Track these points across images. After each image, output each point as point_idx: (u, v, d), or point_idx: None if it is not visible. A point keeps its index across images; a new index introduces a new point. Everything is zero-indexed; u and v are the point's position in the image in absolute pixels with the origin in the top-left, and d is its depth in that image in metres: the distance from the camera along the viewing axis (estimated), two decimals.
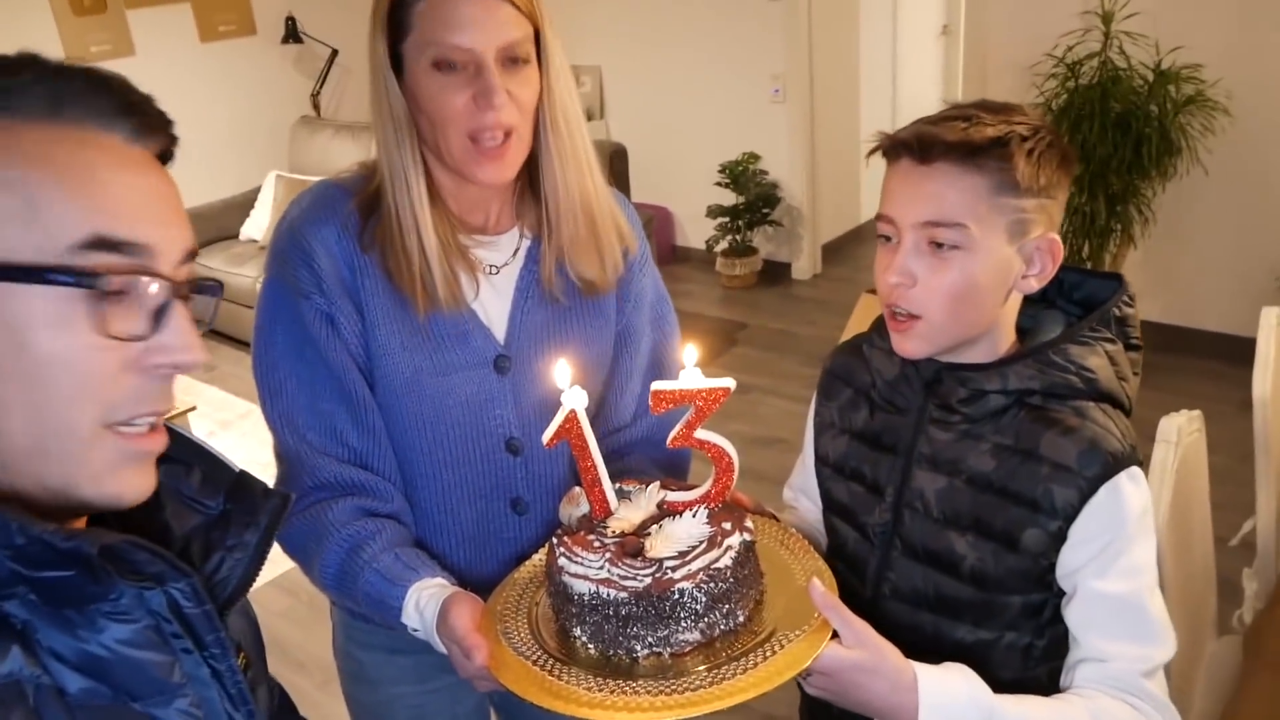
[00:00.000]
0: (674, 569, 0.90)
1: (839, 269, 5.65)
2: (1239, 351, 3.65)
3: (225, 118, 5.47)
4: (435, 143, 1.13)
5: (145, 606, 0.68)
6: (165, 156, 0.71)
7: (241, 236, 5.34)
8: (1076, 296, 1.14)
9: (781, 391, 4.28)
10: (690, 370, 0.95)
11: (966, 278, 1.01)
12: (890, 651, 0.95)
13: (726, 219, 5.34)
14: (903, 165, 1.03)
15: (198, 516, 0.77)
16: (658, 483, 1.04)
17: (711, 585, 0.91)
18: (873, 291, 4.12)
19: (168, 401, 0.68)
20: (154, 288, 0.65)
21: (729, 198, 5.32)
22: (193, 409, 3.60)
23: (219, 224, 5.30)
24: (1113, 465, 1.00)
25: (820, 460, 1.25)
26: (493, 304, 1.22)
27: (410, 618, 1.08)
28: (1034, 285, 1.05)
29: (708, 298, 5.39)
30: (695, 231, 5.74)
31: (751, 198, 5.27)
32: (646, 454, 1.31)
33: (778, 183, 5.37)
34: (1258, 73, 3.70)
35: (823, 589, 0.95)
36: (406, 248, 1.14)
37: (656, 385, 0.95)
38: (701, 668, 0.90)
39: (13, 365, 0.61)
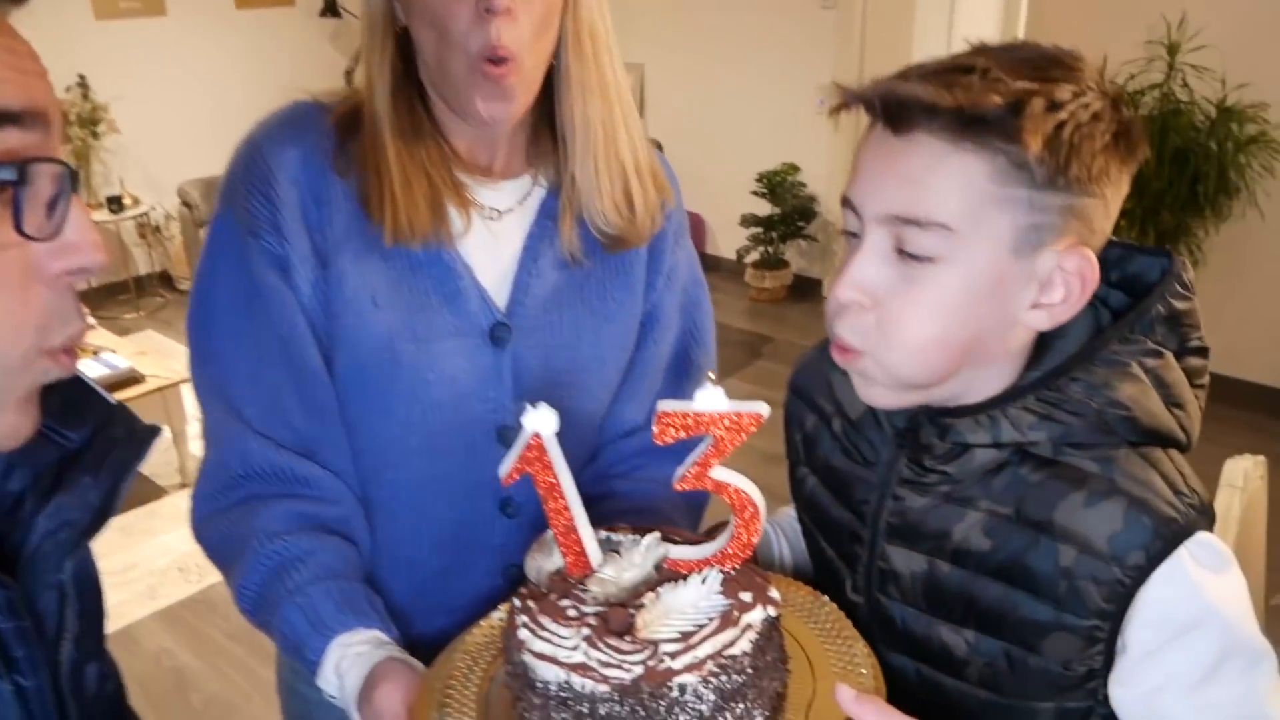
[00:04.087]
0: (673, 655, 0.66)
1: None
2: None
3: (253, 88, 5.34)
4: (433, 61, 0.92)
5: None
6: None
7: None
8: (1114, 277, 0.81)
9: None
10: (710, 390, 0.69)
11: (941, 305, 0.72)
12: None
13: (760, 229, 5.19)
14: (876, 136, 0.73)
15: (52, 449, 0.66)
16: (657, 533, 0.77)
17: (722, 679, 0.66)
18: None
19: (83, 319, 0.58)
20: (48, 170, 0.53)
21: (764, 208, 5.18)
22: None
23: None
24: (1166, 540, 0.71)
25: (796, 500, 0.98)
26: (493, 259, 1.00)
27: (327, 681, 0.86)
28: (1043, 321, 0.74)
29: (734, 309, 5.25)
30: (726, 240, 5.61)
31: (788, 209, 5.14)
32: (656, 472, 1.06)
33: (816, 196, 5.22)
34: None
35: (854, 695, 0.67)
36: (378, 163, 0.93)
37: (664, 405, 0.69)
38: None
39: None
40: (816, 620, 0.81)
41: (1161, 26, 3.68)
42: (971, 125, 0.68)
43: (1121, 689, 0.75)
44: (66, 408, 0.67)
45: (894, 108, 0.70)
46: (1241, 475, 1.38)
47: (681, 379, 1.14)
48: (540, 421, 0.71)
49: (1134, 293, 0.80)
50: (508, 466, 0.73)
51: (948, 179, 0.69)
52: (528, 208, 1.02)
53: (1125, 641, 0.73)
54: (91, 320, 0.59)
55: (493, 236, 1.00)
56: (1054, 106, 0.67)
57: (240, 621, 0.97)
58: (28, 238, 0.53)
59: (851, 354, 0.76)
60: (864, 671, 0.75)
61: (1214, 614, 0.72)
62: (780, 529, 1.06)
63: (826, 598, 0.84)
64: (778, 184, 5.14)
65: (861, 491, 0.86)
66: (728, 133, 5.47)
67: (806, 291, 5.39)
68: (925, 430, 0.79)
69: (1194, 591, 0.71)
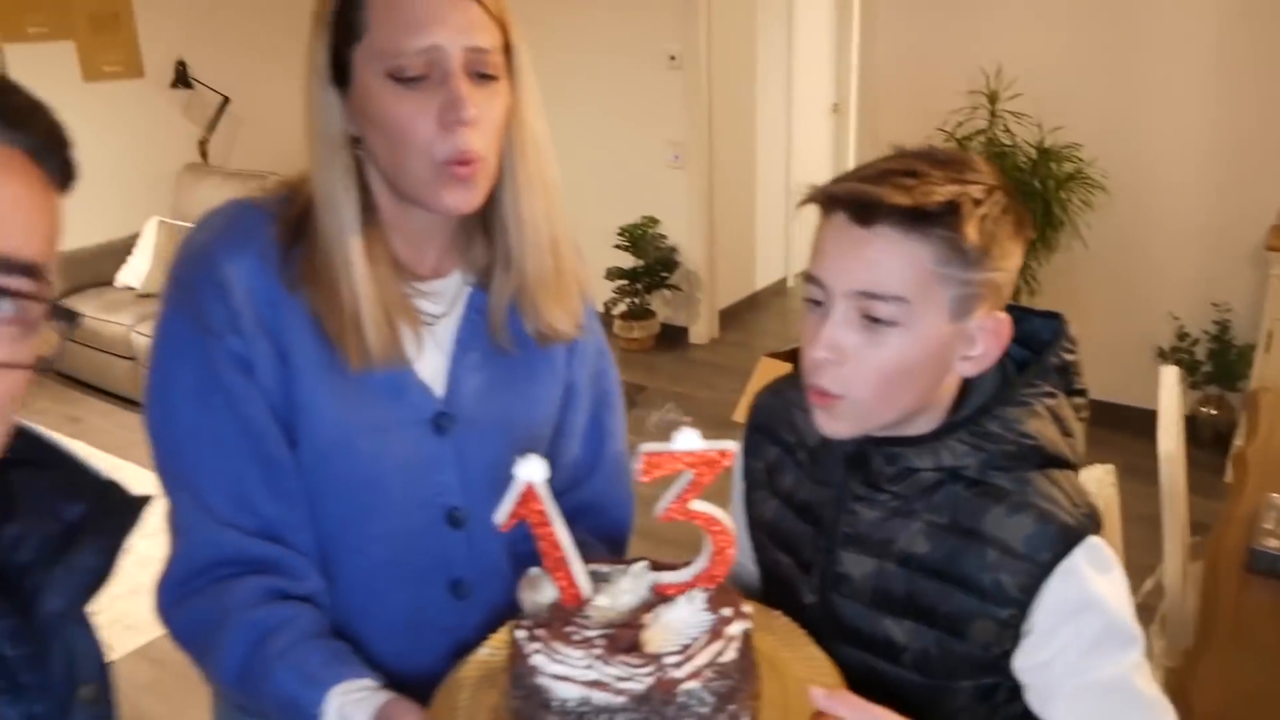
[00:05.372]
0: (677, 666, 0.75)
1: (735, 334, 5.70)
2: (1119, 418, 3.81)
3: (107, 160, 5.17)
4: (391, 164, 0.96)
5: None
6: (45, 152, 0.63)
7: (117, 283, 5.03)
8: (1014, 336, 1.00)
9: None
10: (686, 433, 0.80)
11: (900, 359, 0.89)
12: None
13: (625, 281, 5.32)
14: (837, 222, 0.91)
15: (55, 523, 0.72)
16: (645, 561, 0.87)
17: (718, 683, 0.77)
18: (772, 355, 4.17)
19: None
20: None
21: (628, 260, 5.31)
22: None
23: (94, 269, 4.99)
24: (1066, 541, 0.89)
25: (755, 523, 1.12)
26: (431, 357, 1.06)
27: None
28: (971, 370, 0.94)
29: None
30: (594, 293, 5.70)
31: (650, 261, 5.28)
32: (585, 524, 1.14)
33: (676, 247, 5.40)
34: (1129, 153, 3.92)
35: (825, 693, 0.80)
36: (337, 289, 0.97)
37: (648, 448, 0.79)
38: None
39: None
40: (772, 631, 0.92)
41: (981, 77, 4.00)
42: (920, 219, 0.86)
43: (1023, 661, 0.92)
44: (65, 485, 0.73)
45: (860, 206, 0.88)
46: (1095, 483, 1.52)
47: (595, 443, 1.22)
48: (531, 470, 0.80)
49: (1028, 346, 1.00)
50: (504, 513, 0.80)
51: (902, 260, 0.87)
52: (457, 308, 1.08)
53: (1030, 625, 0.90)
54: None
55: (432, 338, 1.06)
56: (977, 203, 0.87)
57: None
58: None
59: (830, 398, 0.92)
60: (827, 671, 0.87)
61: (1097, 601, 0.89)
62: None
63: (778, 611, 0.95)
64: (639, 237, 5.29)
65: (818, 508, 1.02)
66: (588, 189, 5.60)
67: (674, 339, 5.54)
68: (874, 457, 0.96)
69: (1083, 583, 0.89)
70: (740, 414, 4.06)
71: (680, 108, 5.13)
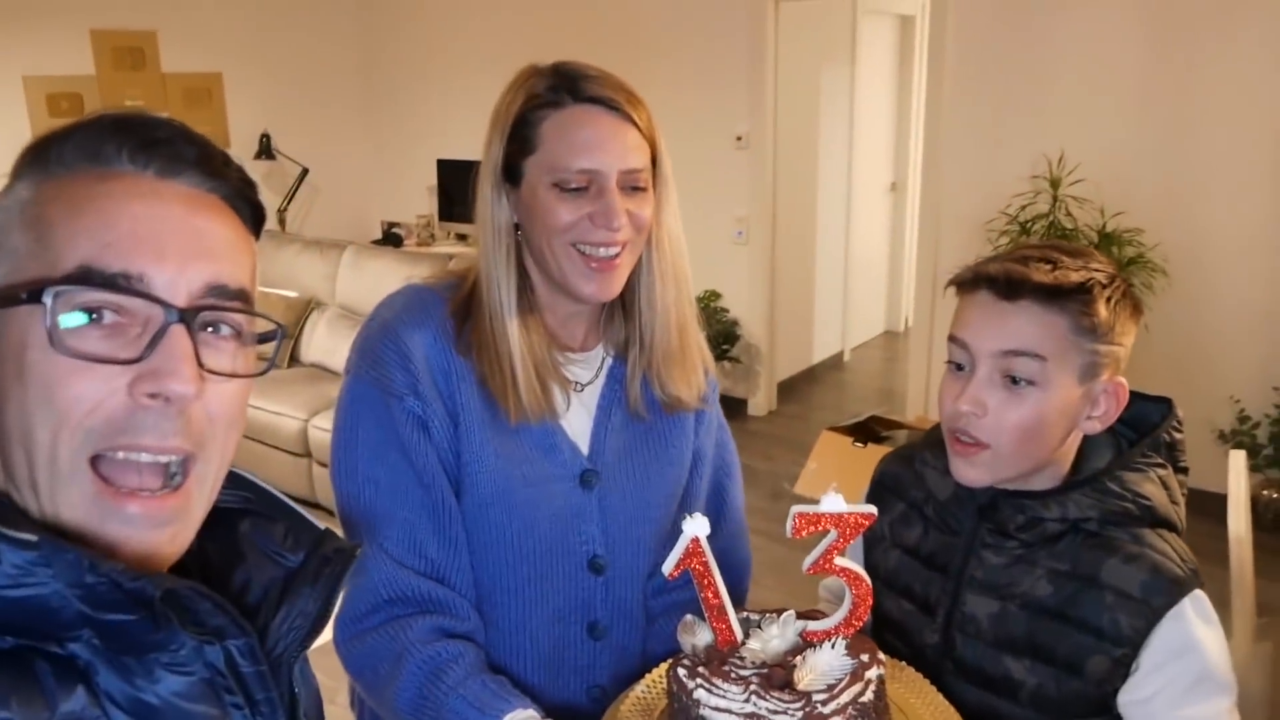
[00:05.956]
0: (824, 703, 0.86)
1: (793, 406, 5.78)
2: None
3: None
4: (542, 253, 1.12)
5: (203, 659, 0.68)
6: (238, 198, 0.71)
7: None
8: (1125, 417, 1.14)
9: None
10: (832, 496, 0.91)
11: (1037, 414, 1.03)
12: None
13: None
14: (982, 297, 1.06)
15: (278, 569, 0.78)
16: (793, 611, 0.98)
17: None
18: (833, 429, 4.24)
19: (161, 437, 0.65)
20: (149, 311, 0.64)
21: None
22: None
23: None
24: (1177, 591, 1.01)
25: (870, 573, 1.22)
26: (579, 419, 1.20)
27: None
28: (1097, 427, 1.08)
29: None
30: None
31: (712, 334, 5.41)
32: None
33: (738, 320, 5.52)
34: (1189, 237, 3.99)
35: None
36: (499, 352, 1.12)
37: (799, 509, 0.90)
38: None
39: (18, 389, 0.63)
40: (899, 680, 1.03)
41: (1043, 163, 4.12)
42: (1058, 295, 1.02)
43: (1128, 696, 1.03)
44: (287, 535, 0.79)
45: (1008, 282, 1.03)
46: None
47: (718, 506, 1.35)
48: (697, 526, 0.91)
49: (1137, 428, 1.14)
50: (671, 564, 0.91)
51: (1042, 328, 1.02)
52: (601, 376, 1.23)
53: (1139, 663, 1.02)
54: None
55: (580, 403, 1.21)
56: (1104, 286, 1.03)
57: None
58: (85, 358, 0.63)
59: (975, 448, 1.06)
60: (952, 716, 0.97)
61: (1200, 647, 1.01)
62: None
63: (903, 661, 1.06)
64: (702, 309, 5.41)
65: (944, 557, 1.14)
66: None
67: (734, 411, 5.62)
68: (1004, 507, 1.09)
69: (1190, 629, 1.01)
70: (802, 487, 4.12)
71: (746, 186, 5.29)
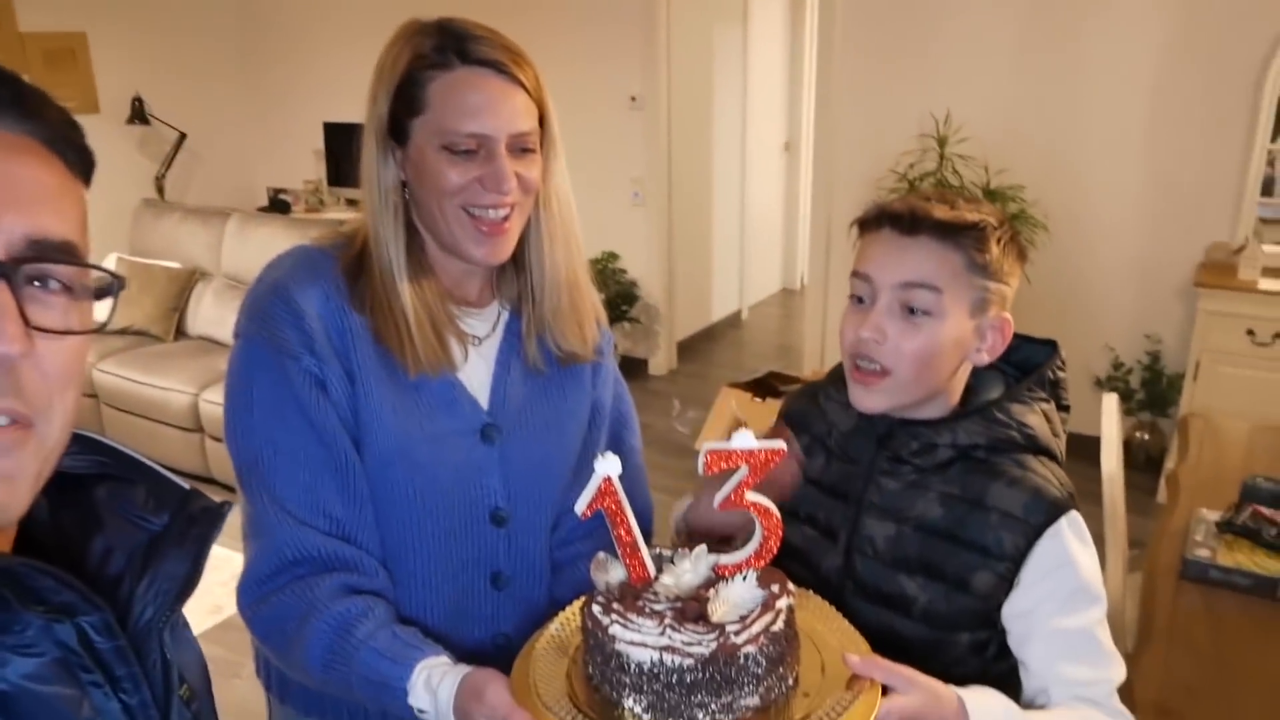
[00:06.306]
0: (737, 634, 0.88)
1: (693, 365, 5.86)
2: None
3: None
4: (432, 214, 1.12)
5: (52, 638, 0.63)
6: (61, 141, 0.65)
7: None
8: (1014, 358, 1.22)
9: None
10: (743, 433, 0.93)
11: (933, 343, 1.10)
12: (938, 685, 0.98)
13: None
14: (885, 234, 1.13)
15: (141, 534, 0.74)
16: (704, 546, 0.99)
17: (771, 648, 0.90)
18: (732, 385, 4.32)
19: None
20: None
21: None
22: None
23: None
24: (1055, 511, 1.09)
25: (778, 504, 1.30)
26: (478, 373, 1.21)
27: (419, 698, 1.00)
28: (985, 359, 1.16)
29: None
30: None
31: (611, 295, 5.42)
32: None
33: (636, 281, 5.54)
34: (1068, 194, 4.17)
35: (858, 659, 0.96)
36: (393, 308, 1.12)
37: (710, 445, 0.92)
38: None
39: None
40: (807, 608, 1.06)
41: (930, 122, 4.23)
42: (954, 232, 1.09)
43: (1010, 609, 1.11)
44: (149, 497, 0.75)
45: (909, 219, 1.11)
46: None
47: (619, 455, 1.33)
48: (609, 466, 0.93)
49: (1024, 369, 1.22)
50: (583, 504, 0.93)
51: (938, 261, 1.10)
52: (498, 331, 1.24)
53: (1020, 578, 1.10)
54: None
55: (480, 357, 1.22)
56: (995, 228, 1.12)
57: None
58: None
59: (875, 376, 1.13)
60: (857, 640, 1.01)
61: (1074, 562, 1.10)
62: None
63: (809, 590, 1.10)
64: (600, 271, 5.42)
65: (844, 485, 1.21)
66: None
67: (634, 371, 5.66)
68: (900, 435, 1.17)
69: (1066, 546, 1.10)
70: (700, 442, 4.19)
71: (641, 147, 5.30)
